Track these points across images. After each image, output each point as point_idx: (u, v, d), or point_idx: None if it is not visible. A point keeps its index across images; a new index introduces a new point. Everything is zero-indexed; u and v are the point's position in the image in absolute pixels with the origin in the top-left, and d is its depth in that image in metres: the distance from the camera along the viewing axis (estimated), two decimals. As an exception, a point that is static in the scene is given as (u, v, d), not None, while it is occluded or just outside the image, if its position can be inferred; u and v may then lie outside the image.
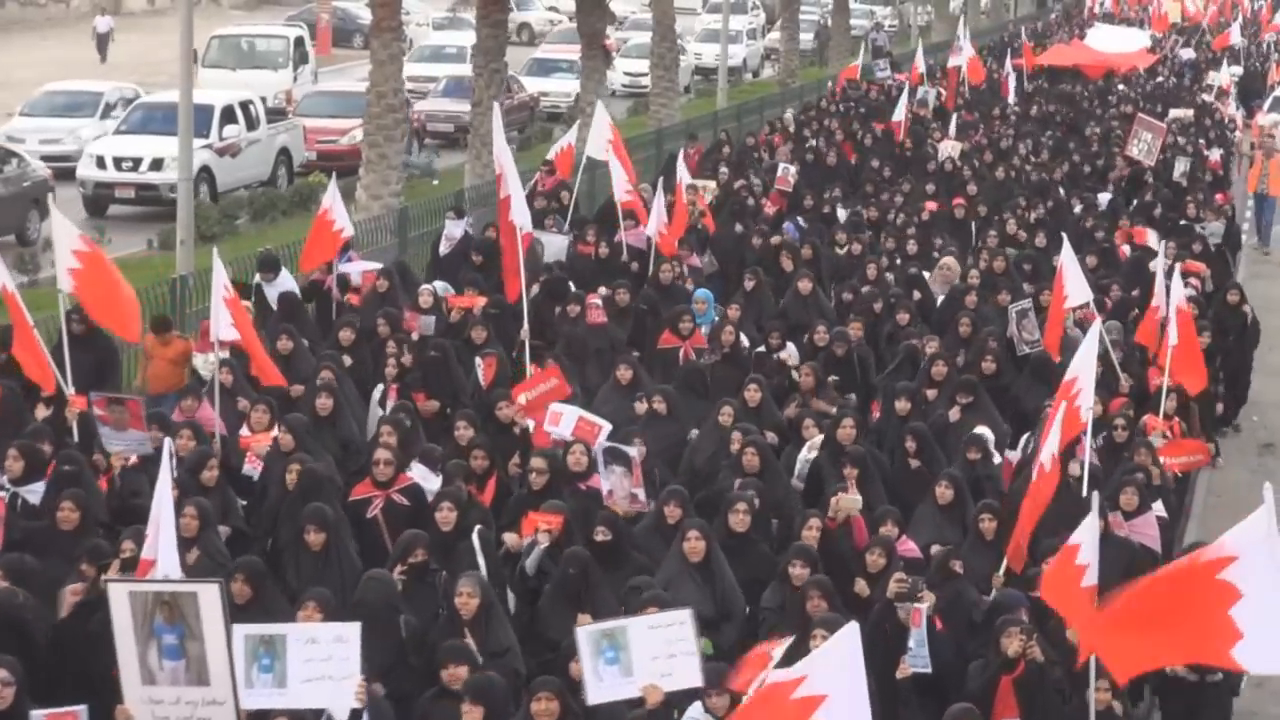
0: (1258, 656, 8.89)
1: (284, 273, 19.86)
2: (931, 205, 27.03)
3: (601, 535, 12.71)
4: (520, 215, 18.41)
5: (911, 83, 39.36)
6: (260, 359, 16.11)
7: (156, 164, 32.01)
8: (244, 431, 14.99)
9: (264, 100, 36.10)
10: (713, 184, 27.57)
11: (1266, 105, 44.09)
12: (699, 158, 30.89)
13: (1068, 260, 18.75)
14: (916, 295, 20.70)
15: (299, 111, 38.06)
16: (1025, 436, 16.08)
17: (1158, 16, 64.50)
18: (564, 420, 14.98)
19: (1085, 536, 10.64)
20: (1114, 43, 52.63)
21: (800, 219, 25.94)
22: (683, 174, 23.93)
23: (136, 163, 32.24)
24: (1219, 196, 31.00)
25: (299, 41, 42.40)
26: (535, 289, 19.36)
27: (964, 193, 28.02)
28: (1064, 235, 20.90)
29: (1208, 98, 45.60)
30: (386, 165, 29.31)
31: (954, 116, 34.99)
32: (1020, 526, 13.11)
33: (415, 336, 17.86)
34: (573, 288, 20.10)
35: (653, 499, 13.79)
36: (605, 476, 13.80)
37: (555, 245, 22.58)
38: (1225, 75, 47.89)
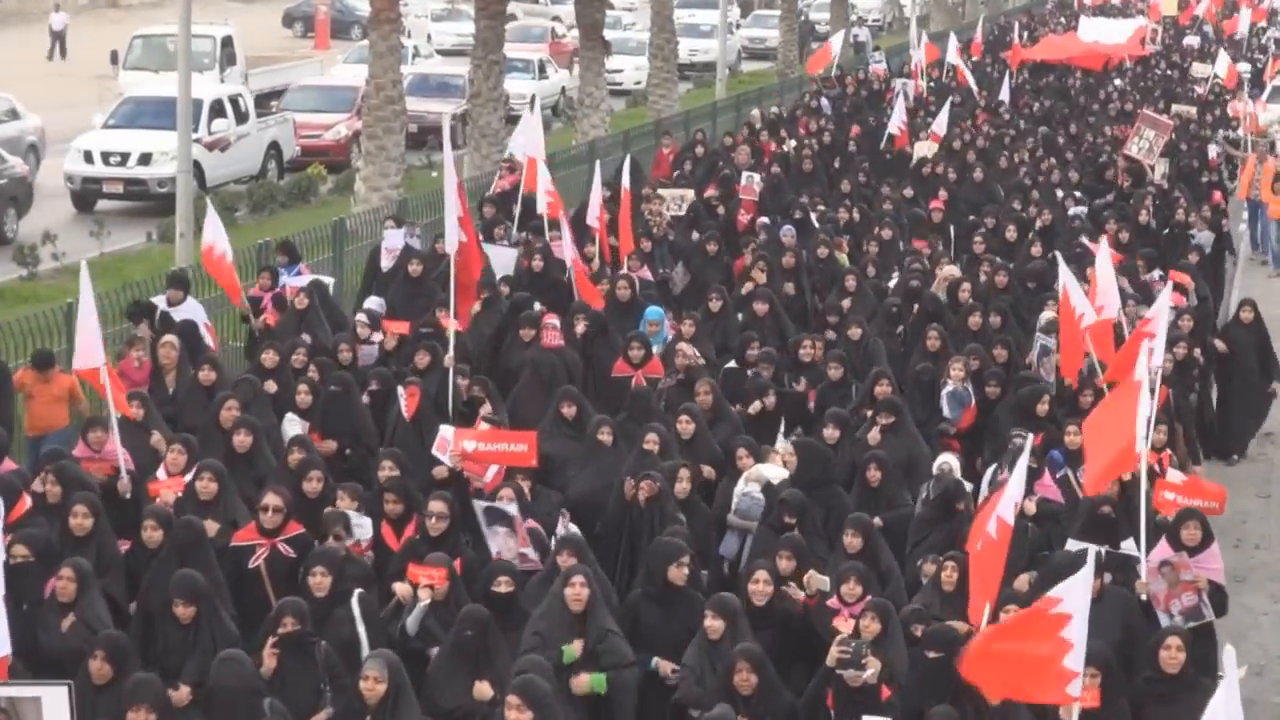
0: None
1: (190, 299, 18.49)
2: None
3: (505, 586, 11.59)
4: (450, 235, 17.26)
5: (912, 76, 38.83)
6: (114, 390, 14.33)
7: (145, 159, 31.90)
8: (160, 475, 13.59)
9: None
10: (690, 192, 25.85)
11: (1265, 96, 42.43)
12: (674, 157, 30.28)
13: (1068, 280, 17.21)
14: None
15: (286, 106, 37.76)
16: (992, 469, 14.77)
17: (1152, 6, 63.91)
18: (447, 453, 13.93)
19: (1076, 601, 9.30)
20: (1105, 34, 52.10)
21: (777, 218, 24.78)
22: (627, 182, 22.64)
23: (124, 157, 32.05)
24: (1214, 195, 29.66)
25: (226, 41, 41.10)
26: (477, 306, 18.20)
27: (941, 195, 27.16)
28: (1058, 253, 19.42)
29: (1200, 90, 44.99)
30: (385, 157, 29.25)
31: (946, 108, 34.02)
32: (977, 577, 11.44)
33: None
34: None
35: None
36: (490, 538, 12.77)
37: (503, 258, 20.82)
38: (1220, 67, 46.92)
